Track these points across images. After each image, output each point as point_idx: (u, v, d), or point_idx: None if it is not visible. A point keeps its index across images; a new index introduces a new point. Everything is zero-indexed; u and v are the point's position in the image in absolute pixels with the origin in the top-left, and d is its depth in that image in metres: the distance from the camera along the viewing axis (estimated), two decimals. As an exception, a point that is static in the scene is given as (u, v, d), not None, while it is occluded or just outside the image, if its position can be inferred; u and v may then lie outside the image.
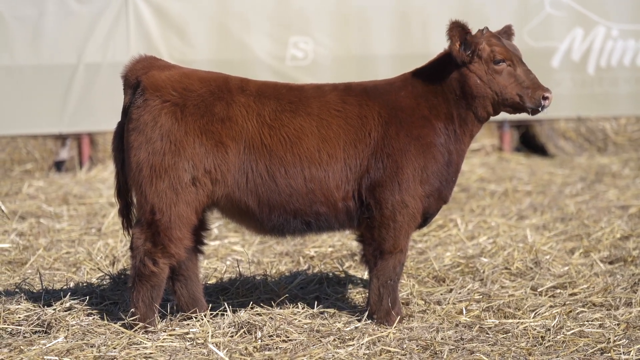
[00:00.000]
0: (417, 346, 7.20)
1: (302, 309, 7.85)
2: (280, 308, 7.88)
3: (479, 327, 7.63)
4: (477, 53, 7.50)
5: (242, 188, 7.41)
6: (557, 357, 7.06)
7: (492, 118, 7.77)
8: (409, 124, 7.52)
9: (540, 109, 7.49)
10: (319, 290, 8.52)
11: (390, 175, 7.47)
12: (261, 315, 7.61)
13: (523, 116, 14.40)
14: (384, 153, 7.47)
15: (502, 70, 7.50)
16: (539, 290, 8.54)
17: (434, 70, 7.63)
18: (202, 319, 7.52)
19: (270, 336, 7.30)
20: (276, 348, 7.17)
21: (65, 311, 7.76)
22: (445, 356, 7.02)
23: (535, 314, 7.89)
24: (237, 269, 9.10)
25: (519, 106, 7.52)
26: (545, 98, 7.46)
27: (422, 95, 7.58)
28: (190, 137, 7.36)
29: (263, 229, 7.55)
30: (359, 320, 7.63)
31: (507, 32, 7.70)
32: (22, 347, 7.17)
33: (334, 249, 9.80)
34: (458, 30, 7.49)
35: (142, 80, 7.46)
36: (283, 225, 7.50)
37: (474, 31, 7.56)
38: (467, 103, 7.56)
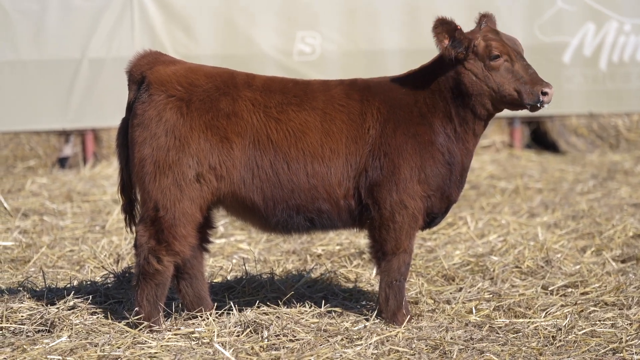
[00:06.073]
0: (426, 346, 7.15)
1: (310, 308, 7.80)
2: (287, 307, 7.83)
3: (489, 326, 7.58)
4: (473, 49, 7.36)
5: (247, 184, 7.34)
6: (569, 357, 7.01)
7: (502, 114, 7.64)
8: (406, 122, 7.41)
9: (539, 105, 7.27)
10: (327, 289, 8.47)
11: (387, 174, 7.37)
12: (268, 315, 7.57)
13: (529, 112, 14.35)
14: (381, 151, 7.37)
15: (499, 66, 7.31)
16: (550, 289, 8.49)
17: (434, 68, 7.50)
18: (208, 318, 7.47)
19: (277, 336, 7.25)
20: (283, 348, 7.11)
21: (69, 310, 7.71)
22: (454, 356, 6.97)
23: (546, 313, 7.84)
24: (244, 268, 9.05)
25: (517, 102, 7.32)
26: (544, 93, 7.24)
27: (422, 94, 7.47)
28: (195, 133, 7.28)
29: (268, 225, 7.48)
30: (367, 320, 7.57)
31: (490, 19, 7.46)
32: (25, 346, 7.13)
33: (341, 247, 9.75)
34: (444, 27, 7.32)
35: (147, 76, 7.40)
36: (287, 221, 7.43)
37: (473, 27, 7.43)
38: (465, 101, 7.41)
